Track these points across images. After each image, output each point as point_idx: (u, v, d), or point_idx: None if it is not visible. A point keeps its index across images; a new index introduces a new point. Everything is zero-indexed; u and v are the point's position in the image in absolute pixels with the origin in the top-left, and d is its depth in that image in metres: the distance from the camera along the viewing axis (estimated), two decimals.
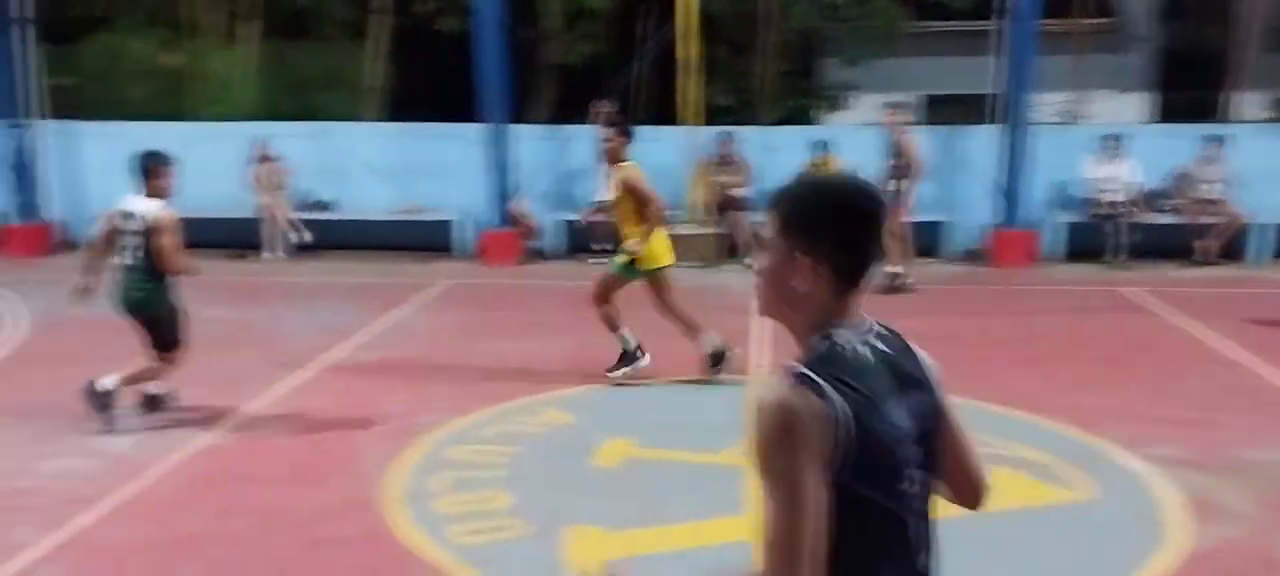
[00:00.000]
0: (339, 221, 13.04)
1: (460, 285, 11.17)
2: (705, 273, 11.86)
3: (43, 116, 13.20)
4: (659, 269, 7.39)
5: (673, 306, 7.47)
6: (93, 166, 13.27)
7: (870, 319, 1.96)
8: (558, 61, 15.14)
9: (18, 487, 5.54)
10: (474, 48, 12.30)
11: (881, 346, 1.93)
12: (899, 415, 1.88)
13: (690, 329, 7.52)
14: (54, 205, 13.29)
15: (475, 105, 12.53)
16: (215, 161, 12.38)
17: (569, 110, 13.95)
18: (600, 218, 12.48)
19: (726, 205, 12.61)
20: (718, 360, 7.48)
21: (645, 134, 13.27)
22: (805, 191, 1.97)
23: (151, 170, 6.57)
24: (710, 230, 12.60)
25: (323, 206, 13.14)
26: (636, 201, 7.31)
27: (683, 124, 12.68)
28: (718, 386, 7.36)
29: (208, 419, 6.63)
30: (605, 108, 12.74)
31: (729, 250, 12.58)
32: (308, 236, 12.52)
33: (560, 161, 13.42)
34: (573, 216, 13.07)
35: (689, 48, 12.48)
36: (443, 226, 13.09)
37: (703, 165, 12.75)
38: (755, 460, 1.77)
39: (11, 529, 5.04)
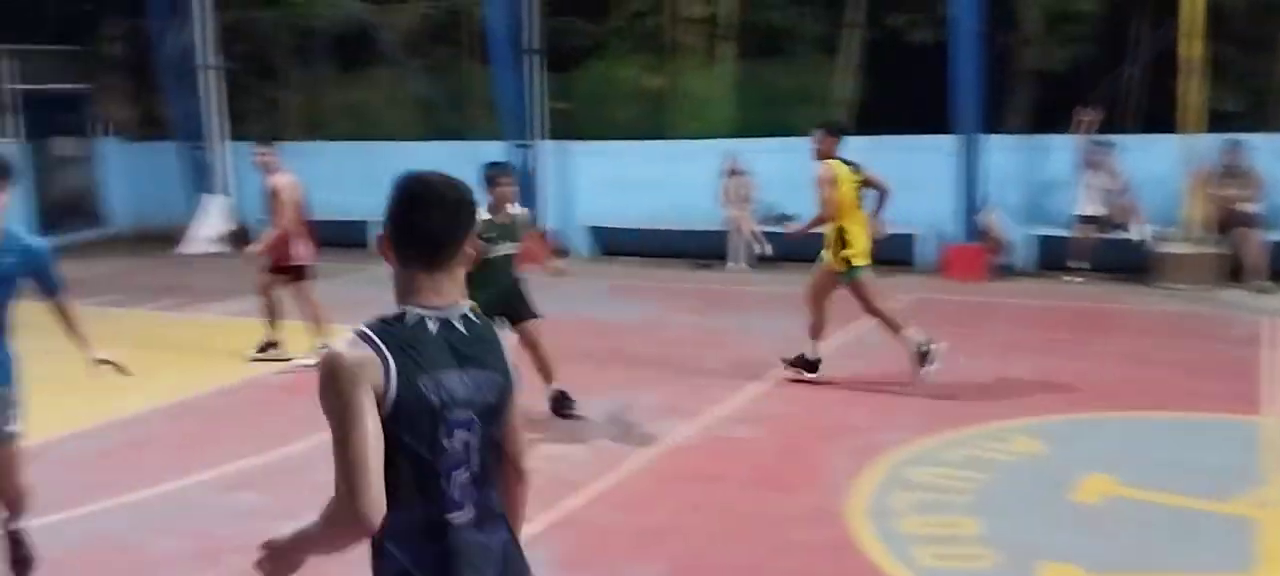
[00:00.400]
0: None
1: (923, 300, 10.86)
2: (1201, 296, 10.61)
3: (543, 137, 14.68)
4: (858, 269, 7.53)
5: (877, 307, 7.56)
6: (583, 182, 14.56)
7: (464, 304, 2.30)
8: (1037, 67, 14.31)
9: None
10: (948, 57, 11.95)
11: (458, 327, 2.28)
12: (453, 383, 2.23)
13: (892, 326, 7.49)
14: (549, 216, 14.76)
15: (947, 116, 12.16)
16: (692, 177, 13.07)
17: (1047, 118, 13.11)
18: (1087, 233, 11.66)
19: (1231, 221, 11.20)
20: (924, 357, 7.27)
21: (1135, 143, 12.27)
22: (395, 185, 2.29)
23: (493, 179, 6.93)
24: (1210, 249, 11.26)
25: (786, 219, 13.39)
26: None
27: (1182, 132, 11.44)
28: (1220, 425, 6.52)
29: (678, 418, 6.95)
30: (1089, 115, 11.85)
31: (1233, 272, 11.16)
32: (768, 249, 12.82)
33: (1035, 172, 12.65)
34: (1047, 231, 12.28)
35: (1192, 47, 11.24)
36: (905, 240, 12.82)
37: (1204, 177, 11.42)
38: (321, 405, 2.17)
39: None
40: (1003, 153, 12.51)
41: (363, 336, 2.21)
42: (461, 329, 2.30)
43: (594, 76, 15.44)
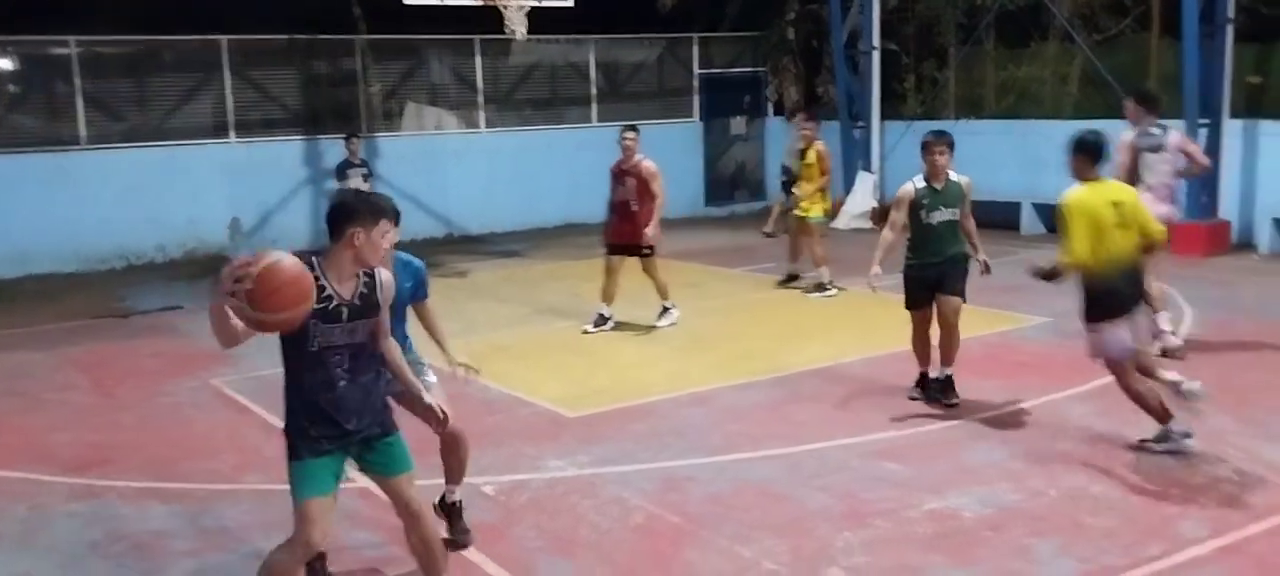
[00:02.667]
0: None
1: None
2: None
3: (1228, 116, 13.02)
4: None
5: None
6: (1275, 167, 12.69)
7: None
8: None
9: (1186, 482, 5.49)
10: None
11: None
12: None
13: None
14: (1227, 205, 13.07)
15: None
16: None
17: None
18: None
19: None
20: None
21: None
22: None
23: (927, 146, 6.87)
24: None
25: None
26: None
27: None
28: None
29: None
30: None
31: None
32: None
33: None
34: None
35: None
36: None
37: None
38: None
39: (1180, 520, 5.02)
40: None
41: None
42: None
43: None
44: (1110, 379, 6.48)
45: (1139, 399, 5.85)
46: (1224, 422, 6.33)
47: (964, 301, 6.95)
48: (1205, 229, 12.65)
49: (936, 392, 7.02)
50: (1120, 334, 5.78)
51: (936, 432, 6.43)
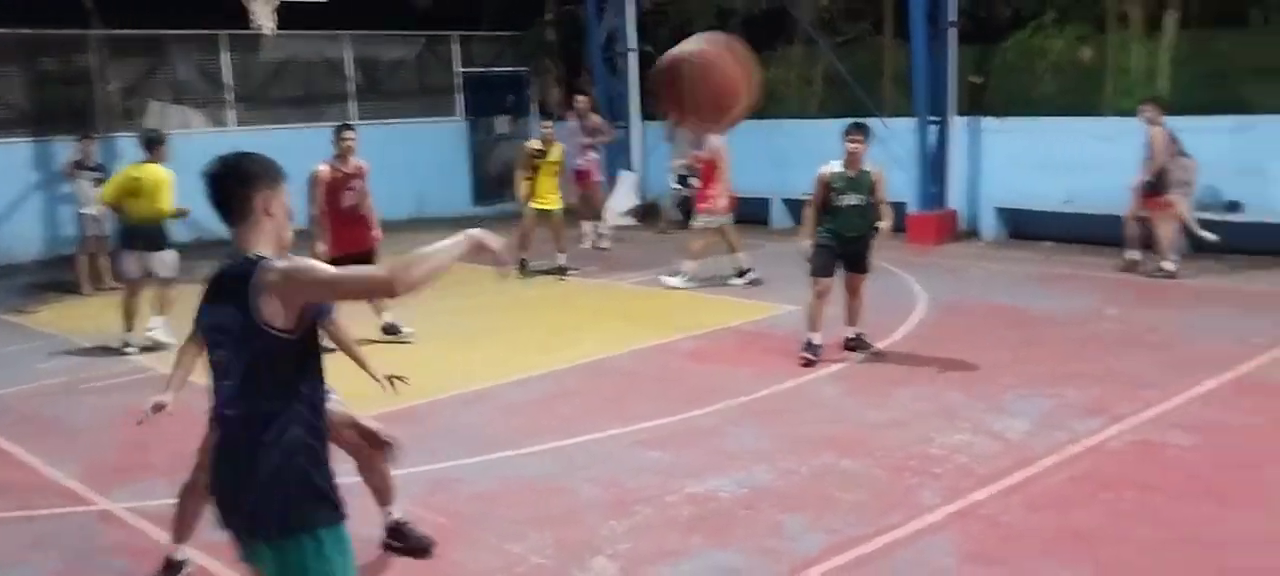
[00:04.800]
0: (1253, 224, 11.75)
1: None
2: None
3: (954, 113, 14.10)
4: None
5: None
6: (996, 161, 13.85)
7: (249, 252, 2.90)
8: None
9: (925, 454, 5.93)
10: None
11: (229, 269, 2.92)
12: (206, 314, 2.95)
13: None
14: (955, 195, 14.16)
15: None
16: (1123, 158, 12.02)
17: None
18: None
19: None
20: None
21: None
22: None
23: (847, 135, 7.72)
24: None
25: (1234, 207, 11.96)
26: None
27: None
28: None
29: (1105, 418, 6.40)
30: None
31: None
32: (1212, 237, 11.48)
33: None
34: None
35: None
36: None
37: None
38: None
39: (919, 490, 5.41)
40: None
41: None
42: (230, 271, 2.89)
43: (1016, 49, 14.57)
44: (859, 359, 7.00)
45: None
46: (956, 398, 6.88)
47: (868, 272, 7.90)
48: (935, 218, 13.66)
49: (859, 346, 7.97)
50: None
51: (697, 420, 6.66)
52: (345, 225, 8.61)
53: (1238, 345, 7.97)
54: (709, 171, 11.25)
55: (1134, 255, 11.17)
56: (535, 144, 12.11)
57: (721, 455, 6.00)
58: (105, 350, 9.05)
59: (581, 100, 14.56)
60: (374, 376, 4.63)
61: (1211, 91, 12.75)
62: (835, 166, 7.70)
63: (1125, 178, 11.37)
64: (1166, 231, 10.93)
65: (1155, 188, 10.88)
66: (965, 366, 7.63)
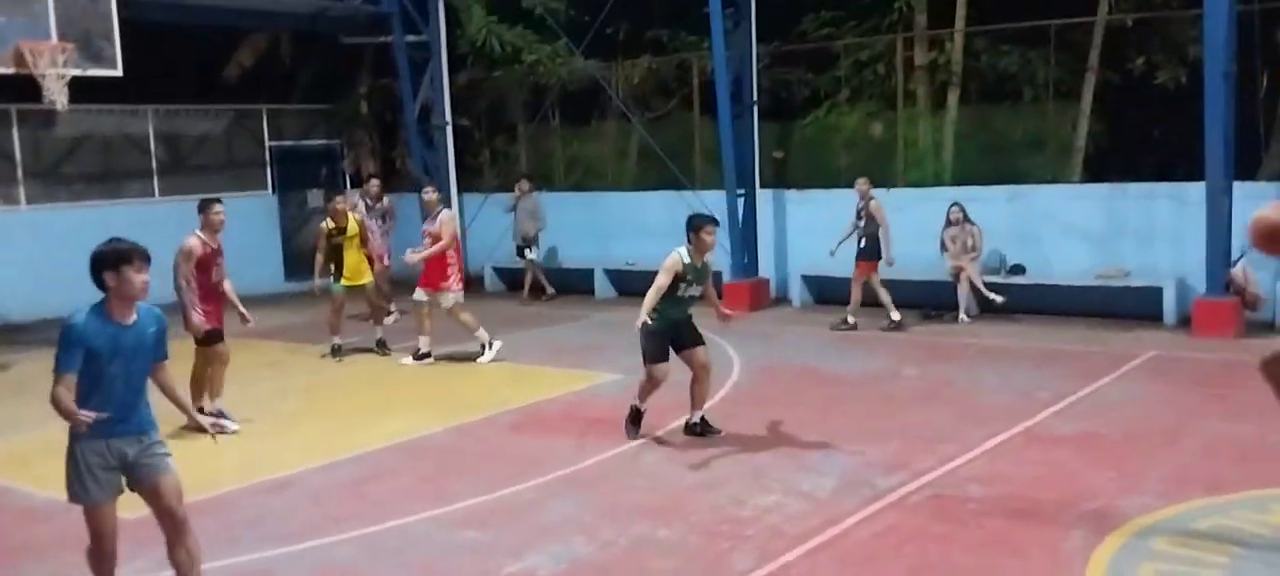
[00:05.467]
0: (1034, 285, 12.67)
1: (1168, 357, 10.18)
2: None
3: (761, 186, 14.71)
4: None
5: None
6: (800, 231, 14.49)
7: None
8: None
9: (737, 517, 6.10)
10: (1197, 99, 11.19)
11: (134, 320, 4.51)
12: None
13: None
14: (765, 264, 14.71)
15: (1193, 162, 11.39)
16: (914, 226, 12.78)
17: None
18: None
19: None
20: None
21: None
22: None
23: (698, 227, 7.57)
24: None
25: (1018, 270, 12.87)
26: None
27: None
28: None
29: (904, 474, 6.74)
30: None
31: None
32: (999, 299, 12.32)
33: None
34: None
35: None
36: (1148, 293, 12.07)
37: None
38: None
39: (732, 554, 5.56)
40: (1254, 202, 11.55)
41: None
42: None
43: (815, 126, 15.36)
44: (676, 427, 7.14)
45: None
46: (766, 460, 7.12)
47: (704, 342, 7.75)
48: (749, 286, 14.13)
49: (699, 430, 7.78)
50: None
51: (516, 495, 6.66)
52: (214, 300, 8.46)
53: (1023, 399, 8.55)
54: (435, 245, 10.83)
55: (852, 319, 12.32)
56: (328, 224, 11.70)
57: (540, 530, 6.01)
58: None
59: (372, 184, 14.39)
60: (199, 425, 5.08)
61: (990, 163, 13.76)
62: (685, 257, 7.50)
63: (917, 245, 12.12)
64: (859, 292, 12.37)
65: (869, 252, 12.22)
66: (774, 428, 7.91)
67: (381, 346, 11.66)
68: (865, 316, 12.35)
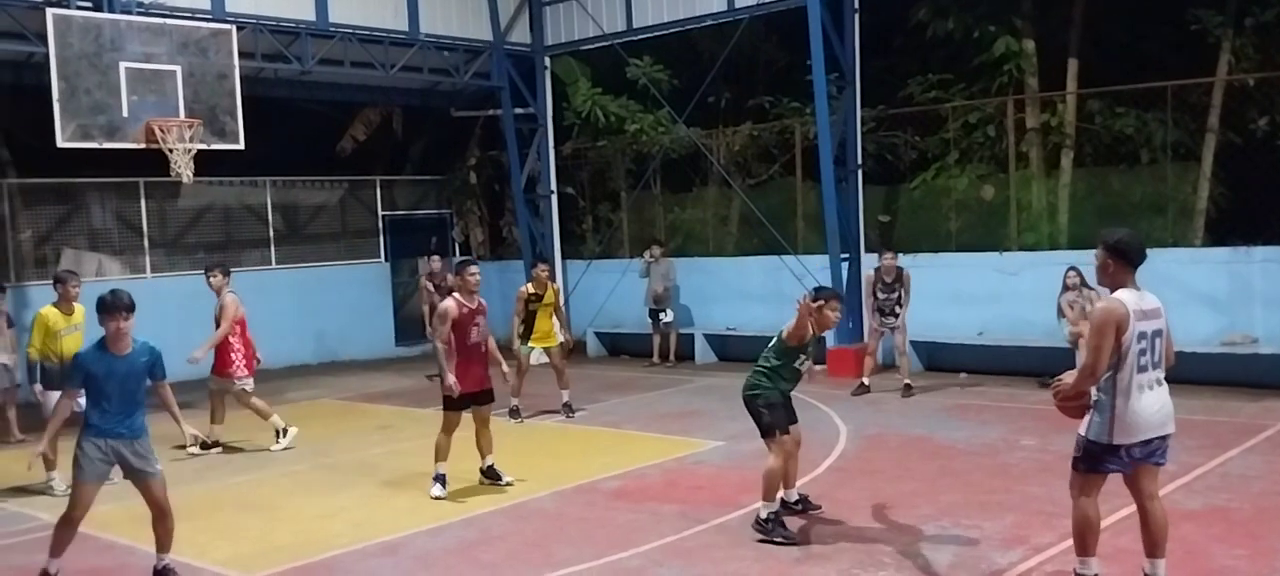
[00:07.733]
0: None
1: None
2: None
3: (865, 250, 14.53)
4: None
5: None
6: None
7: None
8: None
9: None
10: None
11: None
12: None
13: None
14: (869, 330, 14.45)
15: None
16: (1029, 290, 12.45)
17: None
18: None
19: None
20: None
21: None
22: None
23: (824, 300, 7.13)
24: None
25: None
26: None
27: None
28: None
29: (1025, 549, 6.49)
30: None
31: None
32: None
33: None
34: None
35: None
36: (1278, 361, 11.53)
37: None
38: None
39: None
40: None
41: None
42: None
43: (923, 188, 15.17)
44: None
45: None
46: (877, 533, 6.93)
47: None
48: (853, 352, 13.89)
49: (800, 508, 7.43)
50: None
51: (621, 563, 6.59)
52: (477, 362, 8.51)
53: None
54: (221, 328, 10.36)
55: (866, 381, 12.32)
56: (529, 288, 11.92)
57: None
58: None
59: (436, 261, 14.76)
60: (195, 438, 6.28)
61: (1107, 226, 13.33)
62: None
63: (1032, 310, 11.79)
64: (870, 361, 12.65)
65: None
66: (885, 500, 7.70)
67: (568, 409, 11.82)
68: (981, 384, 12.01)
